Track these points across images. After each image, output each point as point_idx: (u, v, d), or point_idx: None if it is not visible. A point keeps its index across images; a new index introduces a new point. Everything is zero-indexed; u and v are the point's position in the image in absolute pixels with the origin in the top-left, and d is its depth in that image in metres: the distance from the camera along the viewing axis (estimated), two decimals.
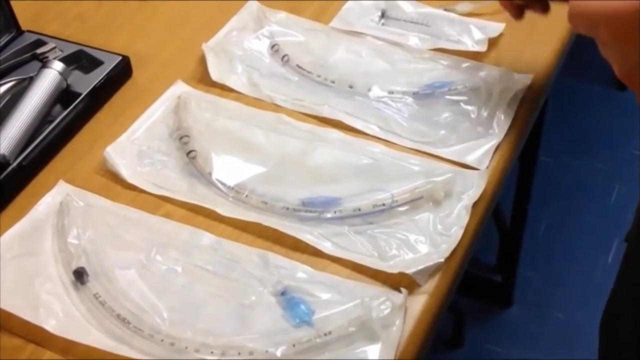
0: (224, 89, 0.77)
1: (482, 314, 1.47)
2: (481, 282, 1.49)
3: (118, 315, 0.59)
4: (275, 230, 0.64)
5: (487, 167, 0.68)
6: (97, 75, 0.77)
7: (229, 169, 0.69)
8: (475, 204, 0.65)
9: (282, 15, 0.84)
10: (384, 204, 0.64)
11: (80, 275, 0.61)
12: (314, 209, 0.65)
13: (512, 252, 1.41)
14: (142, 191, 0.68)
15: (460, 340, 1.43)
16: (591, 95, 1.90)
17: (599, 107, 1.87)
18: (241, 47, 0.80)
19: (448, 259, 0.62)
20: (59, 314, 0.59)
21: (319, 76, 0.77)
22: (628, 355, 0.79)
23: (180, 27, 0.86)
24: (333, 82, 0.76)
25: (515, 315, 1.47)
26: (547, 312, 1.44)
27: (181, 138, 0.72)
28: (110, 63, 0.78)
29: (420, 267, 0.60)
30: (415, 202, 0.65)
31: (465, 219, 0.64)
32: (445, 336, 1.44)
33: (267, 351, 0.56)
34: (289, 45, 0.80)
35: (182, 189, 0.68)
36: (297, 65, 0.78)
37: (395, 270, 0.60)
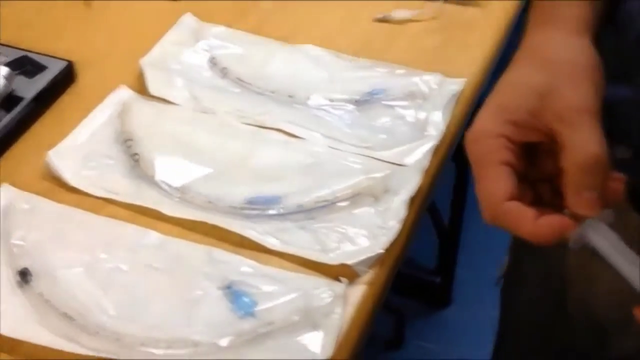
0: None
1: (421, 314, 1.52)
2: (420, 283, 1.54)
3: (64, 314, 0.59)
4: (221, 228, 0.66)
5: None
6: (42, 80, 0.77)
7: (173, 170, 0.71)
8: (412, 199, 0.68)
9: (220, 28, 0.86)
10: (325, 200, 0.67)
11: (24, 275, 0.62)
12: (258, 207, 0.67)
13: (450, 254, 1.46)
14: (86, 194, 0.69)
15: (401, 340, 1.47)
16: None
17: None
18: (179, 61, 0.82)
19: (387, 251, 0.64)
20: (5, 313, 0.60)
21: (259, 87, 0.79)
22: None
23: (125, 33, 0.87)
24: (273, 92, 0.78)
25: (453, 314, 1.51)
26: (483, 310, 1.49)
27: (125, 141, 0.73)
28: (54, 68, 0.78)
29: (361, 258, 0.63)
30: (355, 197, 0.68)
31: (402, 212, 0.67)
32: (386, 337, 1.47)
33: (212, 342, 0.58)
34: (228, 58, 0.82)
35: (128, 191, 0.69)
36: (237, 78, 0.80)
37: (336, 262, 0.63)
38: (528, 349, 0.84)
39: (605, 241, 0.44)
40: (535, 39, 0.49)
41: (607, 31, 0.52)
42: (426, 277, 1.53)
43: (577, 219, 0.43)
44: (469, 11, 0.88)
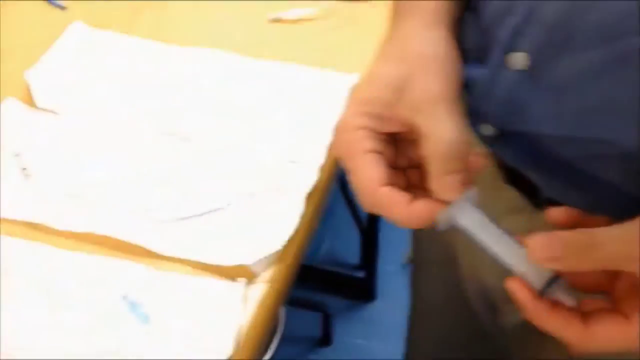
0: None
1: (348, 310, 1.53)
2: (345, 279, 1.55)
3: None
4: (114, 238, 0.65)
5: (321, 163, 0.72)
6: None
7: (63, 182, 0.69)
8: (308, 196, 0.69)
9: (110, 35, 0.85)
10: (220, 201, 0.67)
11: None
12: (151, 213, 0.67)
13: (372, 249, 1.47)
14: None
15: (329, 338, 1.47)
16: None
17: None
18: (67, 72, 0.80)
19: (285, 248, 0.65)
20: None
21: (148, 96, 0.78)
22: None
23: (12, 44, 0.85)
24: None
25: (379, 308, 1.53)
26: (407, 303, 1.51)
27: (14, 156, 0.71)
28: None
29: (258, 257, 0.63)
30: (251, 197, 0.68)
31: (299, 209, 0.67)
32: (315, 336, 1.48)
33: (116, 350, 0.57)
34: (116, 68, 0.81)
35: (19, 207, 0.67)
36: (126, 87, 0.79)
37: (233, 263, 0.63)
38: (436, 332, 0.86)
39: (470, 221, 0.45)
40: (396, 33, 0.51)
41: (467, 16, 0.54)
42: (350, 273, 1.54)
43: (445, 201, 0.45)
44: (360, 7, 0.89)
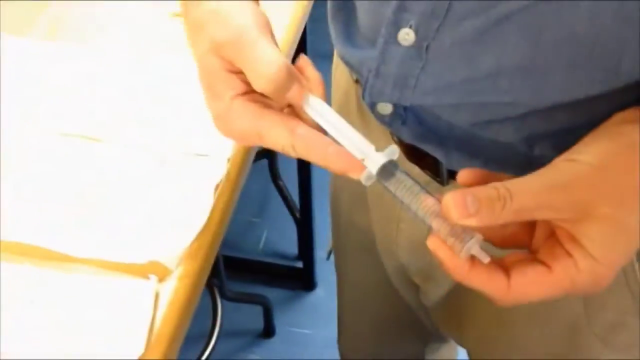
0: None
1: (288, 301, 1.53)
2: (284, 271, 1.55)
3: None
4: (21, 243, 0.64)
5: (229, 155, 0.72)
6: None
7: None
8: (217, 188, 0.69)
9: (5, 36, 0.83)
10: (128, 197, 0.67)
11: None
12: (60, 215, 0.66)
13: (307, 239, 1.48)
14: None
15: (271, 330, 1.48)
16: None
17: None
18: None
19: (197, 242, 0.65)
20: None
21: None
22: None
23: None
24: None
25: (320, 296, 1.54)
26: None
27: None
28: None
29: (168, 252, 0.63)
30: (159, 191, 0.67)
31: (209, 203, 0.67)
32: (257, 329, 1.48)
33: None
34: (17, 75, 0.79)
35: None
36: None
37: (143, 261, 0.62)
38: (366, 314, 0.87)
39: (321, 116, 0.47)
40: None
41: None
42: (288, 264, 1.55)
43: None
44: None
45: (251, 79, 0.46)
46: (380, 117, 0.55)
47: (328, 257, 0.87)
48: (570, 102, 0.48)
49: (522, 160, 0.52)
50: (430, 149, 0.56)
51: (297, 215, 1.48)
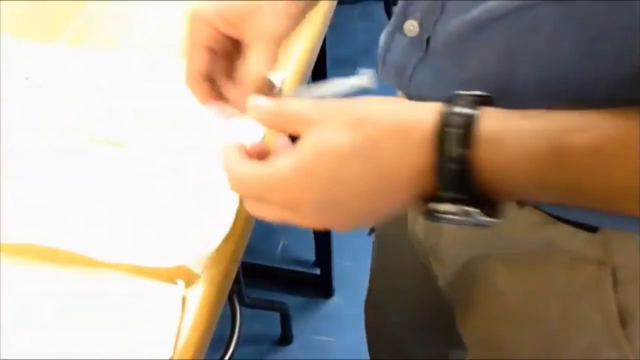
0: None
1: (306, 308, 1.53)
2: (302, 277, 1.55)
3: None
4: (48, 248, 0.64)
5: None
6: None
7: None
8: None
9: (34, 48, 0.84)
10: (155, 202, 0.67)
11: None
12: (87, 220, 0.66)
13: (326, 246, 1.48)
14: None
15: (289, 337, 1.48)
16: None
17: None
18: None
19: (222, 247, 0.65)
20: None
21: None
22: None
23: None
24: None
25: (338, 303, 1.54)
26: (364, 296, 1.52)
27: None
28: None
29: (194, 257, 0.63)
30: (186, 198, 0.68)
31: (234, 206, 0.67)
32: (275, 336, 1.48)
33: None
34: (42, 76, 0.80)
35: None
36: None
37: (171, 264, 0.63)
38: (397, 304, 0.87)
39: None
40: None
41: None
42: (306, 270, 1.55)
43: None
44: None
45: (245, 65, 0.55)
46: None
47: (369, 233, 0.86)
48: None
49: None
50: None
51: None
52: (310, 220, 0.47)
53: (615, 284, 0.54)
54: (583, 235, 0.54)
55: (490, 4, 0.47)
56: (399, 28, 0.54)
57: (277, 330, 1.48)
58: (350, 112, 0.45)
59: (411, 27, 0.53)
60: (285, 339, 1.48)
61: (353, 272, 1.54)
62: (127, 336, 0.59)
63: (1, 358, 0.58)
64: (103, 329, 0.59)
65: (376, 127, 0.44)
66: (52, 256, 0.64)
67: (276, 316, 1.47)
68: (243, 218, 0.68)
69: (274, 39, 0.55)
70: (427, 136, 0.43)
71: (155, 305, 0.61)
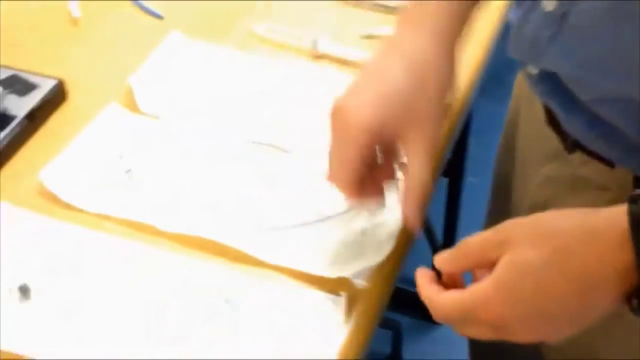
0: None
1: (417, 330, 1.51)
2: (416, 299, 1.52)
3: (67, 331, 0.59)
4: (216, 242, 0.65)
5: None
6: (33, 98, 0.77)
7: (166, 184, 0.70)
8: None
9: (203, 44, 0.86)
10: (323, 214, 0.67)
11: (24, 291, 0.62)
12: (256, 220, 0.67)
13: None
14: (81, 211, 0.69)
15: (399, 356, 1.45)
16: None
17: None
18: (168, 78, 0.82)
19: (384, 263, 0.64)
20: (5, 329, 0.59)
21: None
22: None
23: (113, 51, 0.87)
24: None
25: (448, 330, 1.50)
26: None
27: (118, 157, 0.73)
28: (45, 86, 0.78)
29: (358, 270, 0.63)
30: (351, 211, 0.67)
31: (398, 225, 0.67)
32: (383, 354, 1.46)
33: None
34: (213, 77, 0.82)
35: (122, 207, 0.69)
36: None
37: (334, 275, 0.62)
38: None
39: None
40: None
41: None
42: None
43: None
44: None
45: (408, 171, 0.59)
46: (529, 76, 0.61)
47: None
48: None
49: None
50: (559, 115, 0.60)
51: (437, 243, 1.45)
52: (520, 334, 0.49)
53: None
54: None
55: None
56: (537, 3, 0.55)
57: (386, 348, 1.46)
58: (534, 228, 0.49)
59: (551, 1, 0.54)
60: (394, 358, 1.46)
61: None
62: (290, 342, 0.59)
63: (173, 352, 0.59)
64: (265, 332, 0.59)
65: (564, 237, 0.47)
66: (220, 251, 0.65)
67: (387, 335, 1.45)
68: (406, 237, 0.67)
69: (433, 142, 0.59)
70: (626, 235, 0.45)
71: (319, 315, 0.60)
